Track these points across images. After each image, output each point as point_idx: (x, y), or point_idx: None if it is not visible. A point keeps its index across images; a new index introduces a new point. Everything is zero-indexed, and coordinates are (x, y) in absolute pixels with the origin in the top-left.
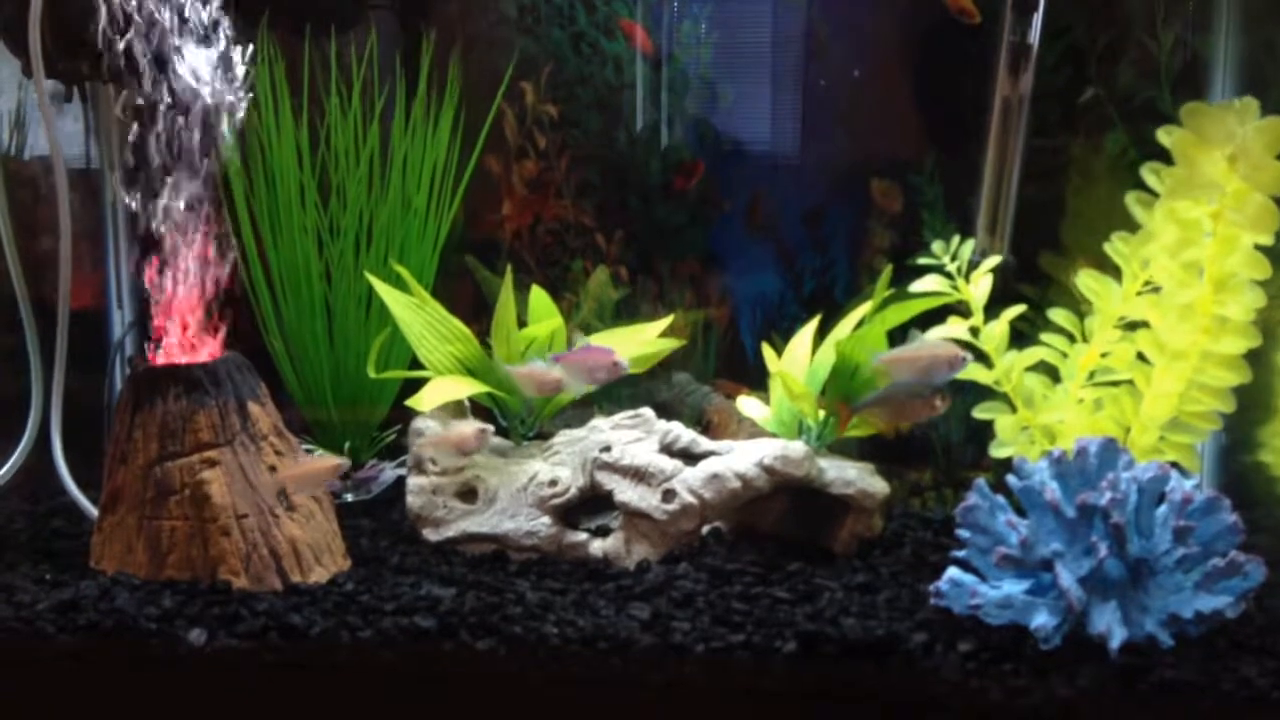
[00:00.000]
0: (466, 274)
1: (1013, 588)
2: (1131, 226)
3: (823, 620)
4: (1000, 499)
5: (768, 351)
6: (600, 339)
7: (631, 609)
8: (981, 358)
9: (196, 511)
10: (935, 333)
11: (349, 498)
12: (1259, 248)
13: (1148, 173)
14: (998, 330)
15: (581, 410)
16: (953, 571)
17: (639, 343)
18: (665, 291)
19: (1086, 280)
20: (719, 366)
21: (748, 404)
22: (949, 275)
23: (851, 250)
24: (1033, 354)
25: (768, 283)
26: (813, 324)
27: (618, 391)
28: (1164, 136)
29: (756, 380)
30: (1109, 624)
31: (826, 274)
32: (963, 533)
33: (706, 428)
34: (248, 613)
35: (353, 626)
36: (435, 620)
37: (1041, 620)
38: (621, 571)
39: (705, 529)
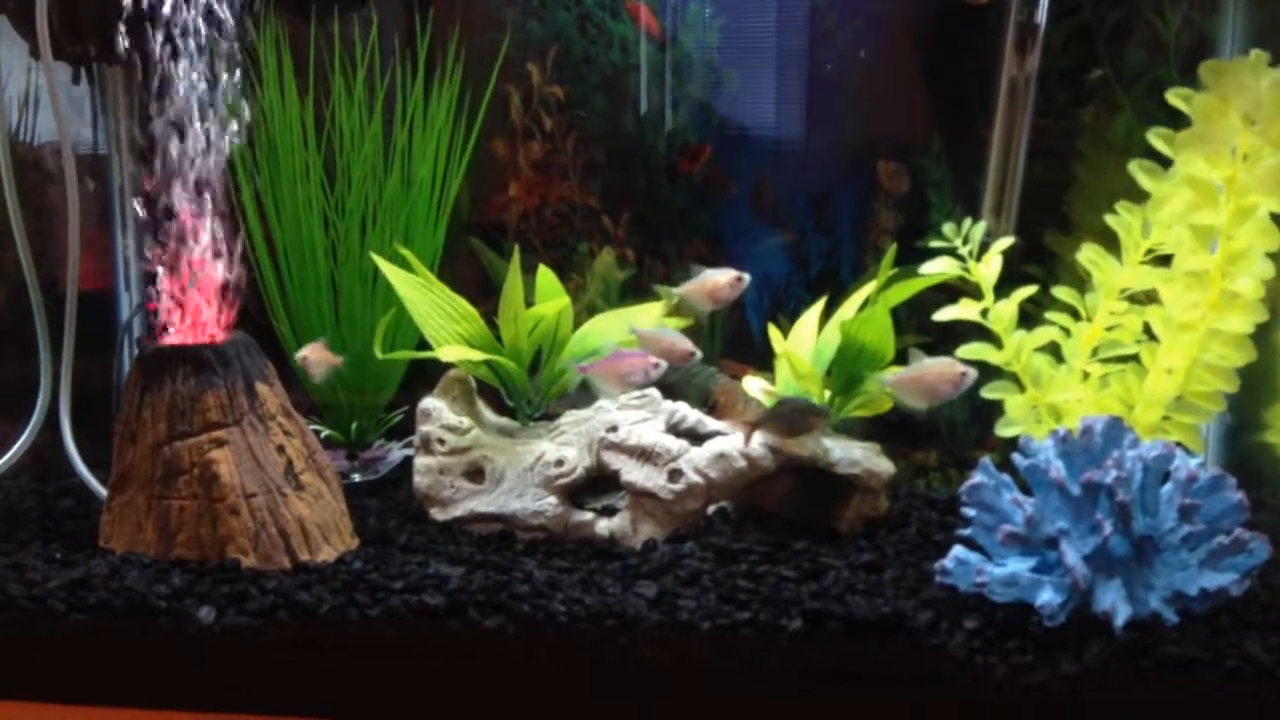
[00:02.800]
0: (473, 255)
1: (1018, 565)
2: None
3: (828, 598)
4: (1006, 477)
5: (774, 332)
6: (605, 319)
7: (638, 587)
8: (991, 338)
9: (205, 491)
10: (947, 314)
11: (356, 478)
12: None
13: (1155, 137)
14: (1007, 311)
15: (588, 391)
16: (958, 550)
17: (644, 322)
18: (672, 273)
19: (1087, 253)
20: (725, 347)
21: (754, 384)
22: (960, 257)
23: (857, 232)
24: (1042, 334)
25: (774, 264)
26: (819, 305)
27: None
28: (1175, 98)
29: (763, 361)
30: (1114, 601)
31: (833, 255)
32: (968, 511)
33: (713, 408)
34: (256, 591)
35: (361, 604)
36: (443, 598)
37: (1047, 598)
38: (628, 550)
39: (711, 508)
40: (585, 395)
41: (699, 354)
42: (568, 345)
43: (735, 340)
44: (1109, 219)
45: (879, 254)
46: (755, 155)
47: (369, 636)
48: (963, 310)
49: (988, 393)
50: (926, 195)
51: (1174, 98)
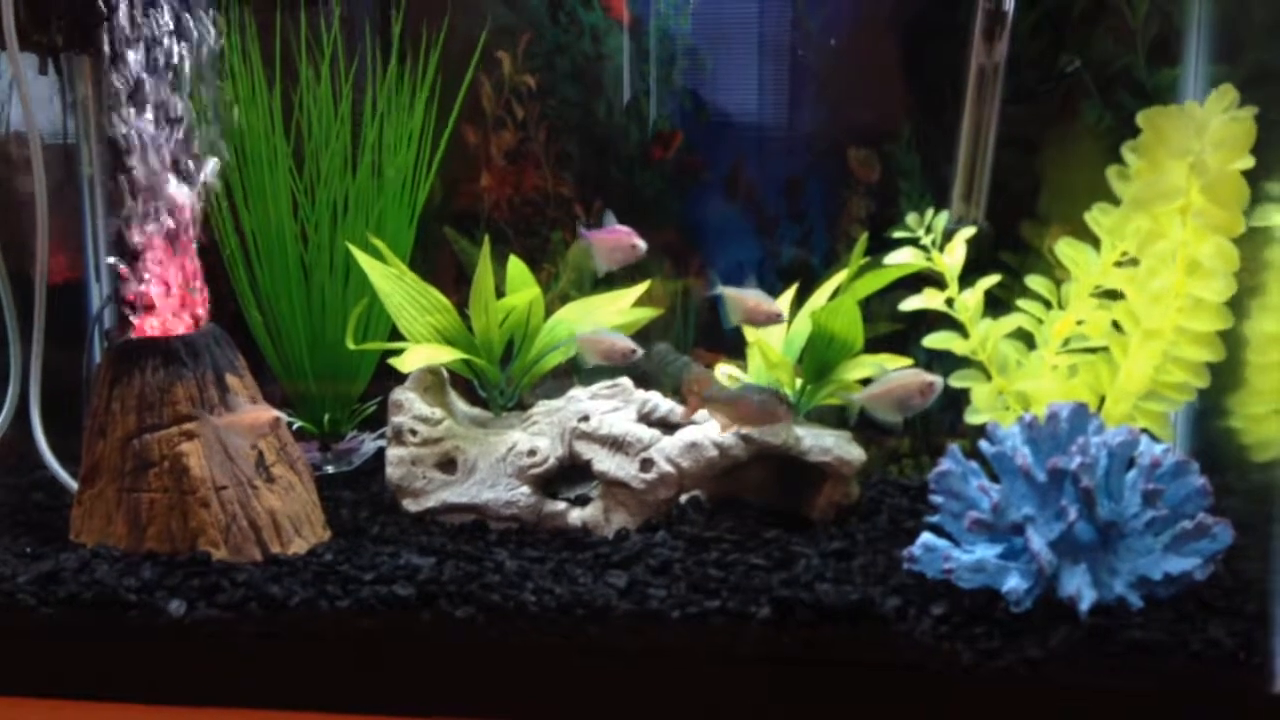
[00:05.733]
0: (446, 245)
1: (985, 552)
2: (1110, 194)
3: (798, 586)
4: (974, 464)
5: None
6: (576, 308)
7: (609, 577)
8: (957, 327)
9: (175, 484)
10: (912, 304)
11: (330, 470)
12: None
13: (1113, 175)
14: (972, 300)
15: (561, 381)
16: (926, 537)
17: (615, 311)
18: (644, 261)
19: (1065, 249)
20: (698, 336)
21: (724, 373)
22: (924, 248)
23: (829, 219)
24: (1008, 322)
25: (746, 252)
26: (789, 292)
27: (598, 363)
28: (1141, 120)
29: (735, 350)
30: (1079, 586)
31: (804, 243)
32: (936, 498)
33: (684, 399)
34: (228, 584)
35: (332, 596)
36: (414, 589)
37: (1013, 584)
38: (600, 540)
39: (684, 497)
40: (558, 385)
41: (639, 351)
42: (539, 335)
43: (708, 329)
44: (1087, 218)
45: (850, 242)
46: (728, 142)
47: (340, 628)
48: (926, 300)
49: (955, 381)
50: (896, 183)
51: (1142, 120)
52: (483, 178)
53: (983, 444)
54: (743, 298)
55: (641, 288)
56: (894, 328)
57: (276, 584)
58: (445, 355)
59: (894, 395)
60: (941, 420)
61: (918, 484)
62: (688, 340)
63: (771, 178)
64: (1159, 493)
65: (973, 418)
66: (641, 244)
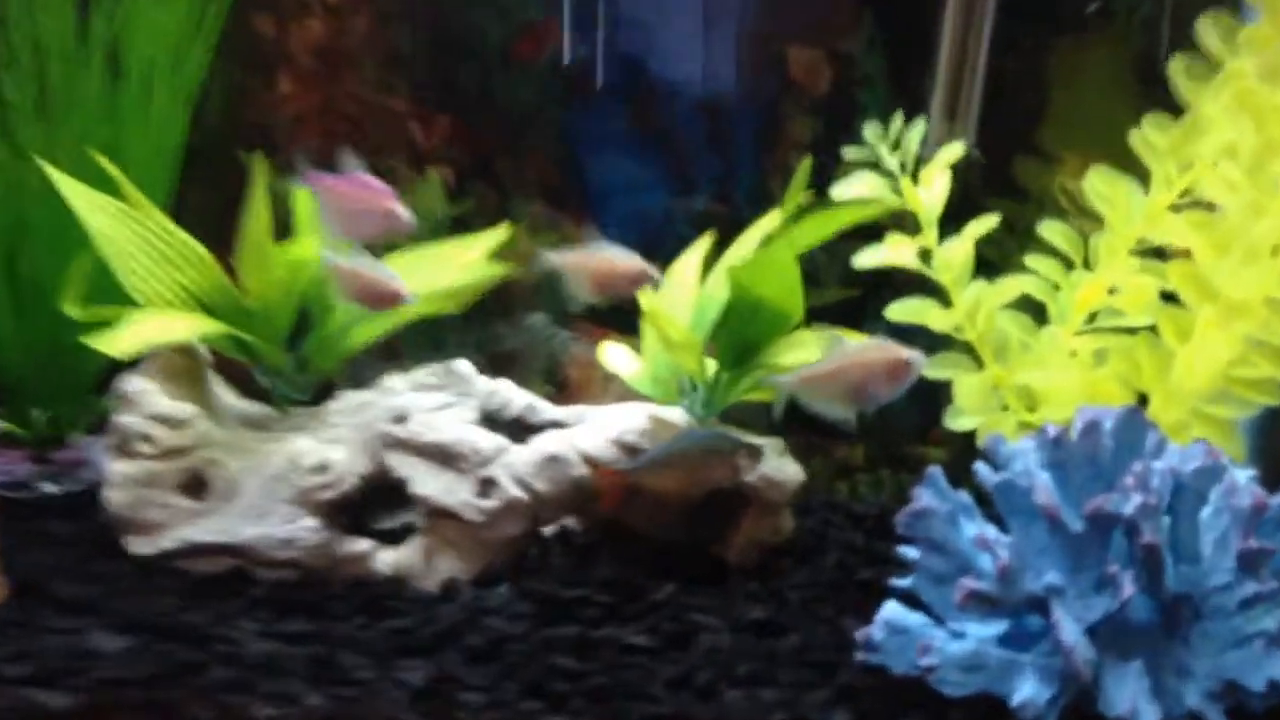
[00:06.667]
0: (232, 177)
1: (982, 636)
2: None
3: (688, 693)
4: (964, 498)
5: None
6: (403, 261)
7: (400, 669)
8: (935, 293)
9: None
10: (871, 257)
11: (49, 489)
12: None
13: (1209, 26)
14: (959, 253)
15: (385, 363)
16: (892, 610)
17: (458, 266)
18: (507, 201)
19: (1097, 183)
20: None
21: (613, 354)
22: (889, 175)
23: (761, 148)
24: (1010, 286)
25: (648, 193)
26: (703, 244)
27: (443, 338)
28: None
29: (629, 323)
30: (1133, 699)
31: (728, 181)
32: (909, 551)
33: (562, 387)
34: None
35: None
36: (71, 697)
37: (1028, 691)
38: (417, 597)
39: (551, 529)
40: (375, 365)
41: (408, 295)
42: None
43: None
44: (1135, 138)
45: (788, 177)
46: (625, 40)
47: None
48: (892, 251)
49: (932, 370)
50: (854, 96)
51: None
52: (281, 84)
53: (981, 468)
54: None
55: (497, 235)
56: (845, 293)
57: None
58: (179, 329)
59: (847, 378)
60: (908, 421)
61: (876, 510)
62: (565, 311)
63: (684, 91)
64: (1265, 555)
65: (955, 421)
66: (403, 212)
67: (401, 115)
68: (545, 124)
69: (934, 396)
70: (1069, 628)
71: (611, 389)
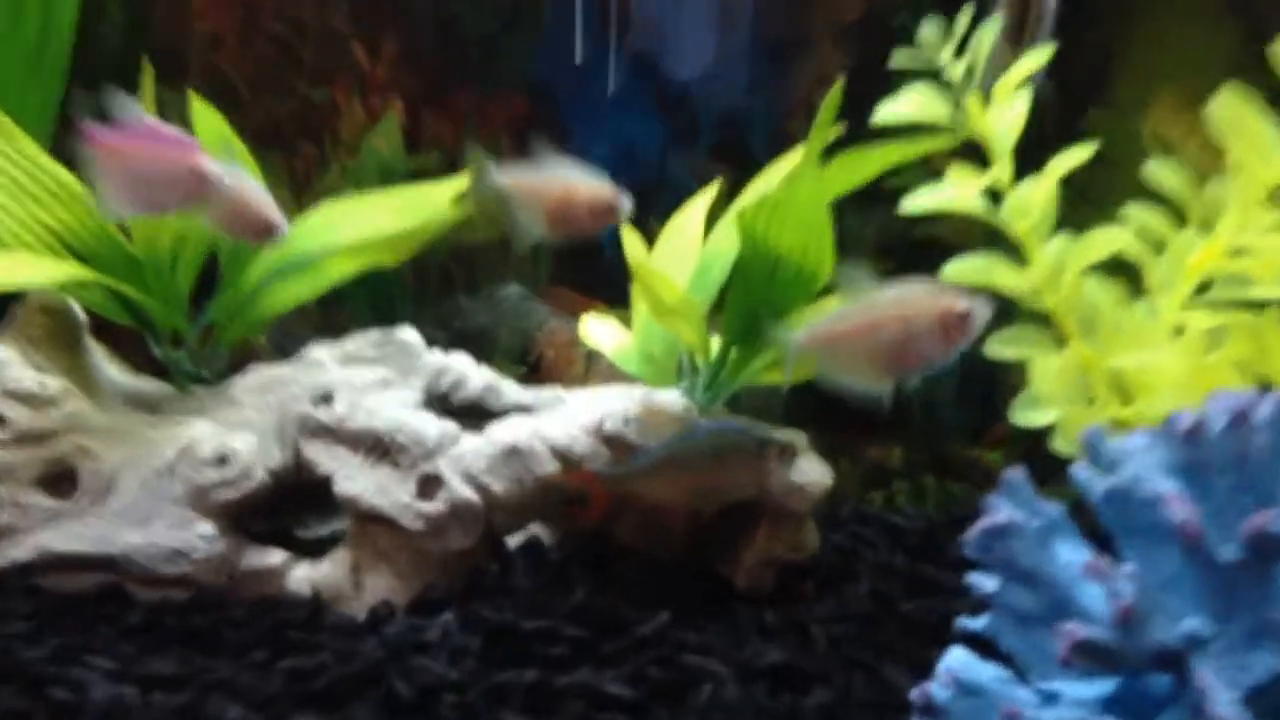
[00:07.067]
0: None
1: (1085, 699)
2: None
3: None
4: (1056, 510)
5: (630, 238)
6: (338, 209)
7: None
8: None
9: None
10: (923, 199)
11: None
12: None
13: None
14: (1039, 195)
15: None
16: (959, 661)
17: (394, 210)
18: (469, 140)
19: (1224, 110)
20: (555, 268)
21: (597, 327)
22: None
23: (780, 80)
24: (1103, 240)
25: (641, 131)
26: (709, 193)
27: (397, 311)
28: None
29: (618, 291)
30: None
31: (737, 120)
32: (981, 580)
33: (537, 369)
34: None
35: None
36: None
37: None
38: (338, 626)
39: (517, 540)
40: (295, 338)
41: (281, 227)
42: (264, 252)
43: (574, 257)
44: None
45: (812, 114)
46: None
47: None
48: (953, 191)
49: (998, 346)
50: (892, 20)
51: None
52: None
53: (1080, 471)
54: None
55: (452, 187)
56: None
57: None
58: (36, 273)
59: (880, 336)
60: (956, 416)
61: (919, 526)
62: (539, 277)
63: (686, 14)
64: None
65: (1026, 414)
66: (213, 169)
67: (342, 35)
68: (514, 50)
69: (992, 384)
70: (1217, 694)
71: (596, 371)
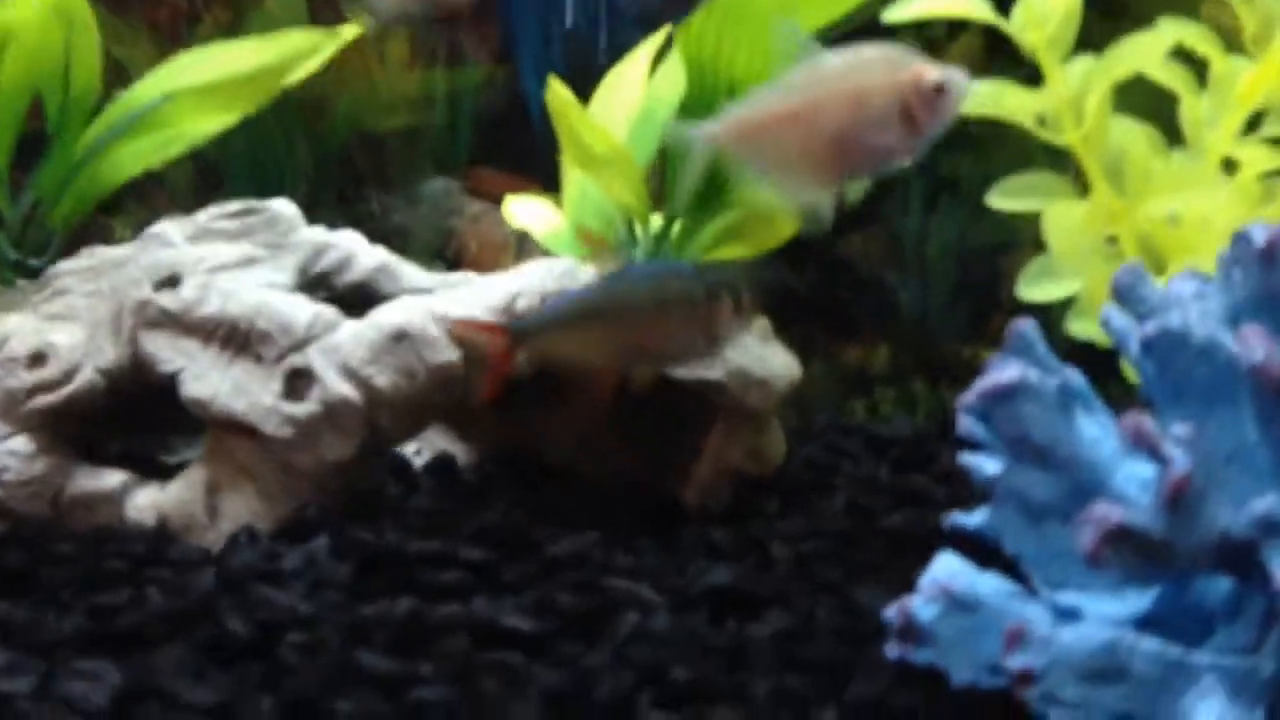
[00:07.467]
0: None
1: (1117, 616)
2: None
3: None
4: (1075, 373)
5: (556, 89)
6: (196, 57)
7: (74, 674)
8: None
9: None
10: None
11: None
12: None
13: None
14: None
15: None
16: (949, 568)
17: (273, 45)
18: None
19: None
20: (477, 144)
21: (521, 208)
22: None
23: None
24: (1136, 51)
25: None
26: (654, 42)
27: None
28: None
29: (549, 170)
30: None
31: None
32: (980, 463)
33: (458, 262)
34: None
35: None
36: None
37: (1214, 708)
38: (186, 559)
39: (418, 452)
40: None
41: None
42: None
43: (499, 132)
44: None
45: None
46: None
47: None
48: None
49: (1003, 197)
50: None
51: None
52: None
53: (1109, 314)
54: None
55: (347, 30)
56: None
57: None
58: None
59: (826, 121)
60: (953, 310)
61: (905, 435)
62: (457, 154)
63: None
64: None
65: (1038, 285)
66: None
67: None
68: None
69: (994, 264)
70: None
71: (527, 262)
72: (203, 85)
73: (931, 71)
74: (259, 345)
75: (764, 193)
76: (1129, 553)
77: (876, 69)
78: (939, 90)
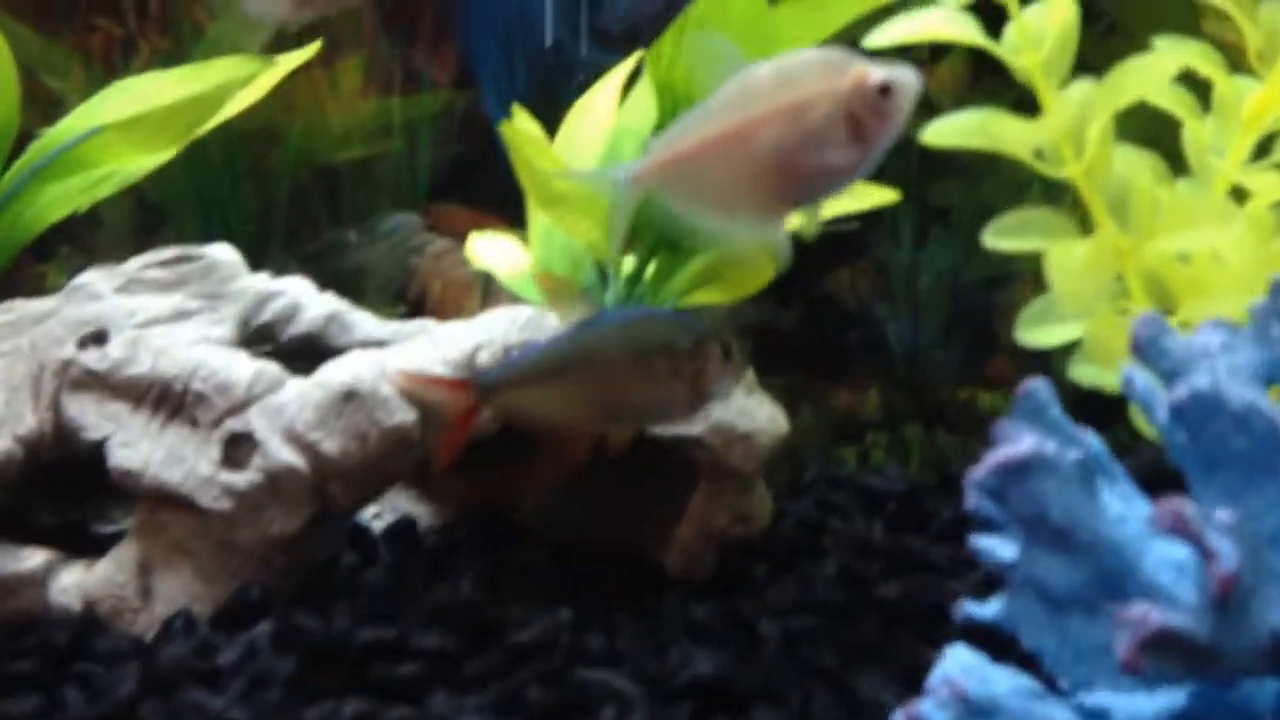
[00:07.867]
0: None
1: (1144, 713)
2: None
3: None
4: (1093, 441)
5: (518, 115)
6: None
7: None
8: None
9: None
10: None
11: None
12: None
13: None
14: (1055, 15)
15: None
16: (962, 662)
17: (204, 72)
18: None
19: None
20: (438, 177)
21: (484, 246)
22: None
23: None
24: (1144, 72)
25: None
26: (623, 70)
27: (242, 247)
28: None
29: (514, 205)
30: None
31: None
32: (992, 546)
33: (419, 307)
34: None
35: None
36: None
37: None
38: (112, 651)
39: (377, 516)
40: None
41: None
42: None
43: (464, 162)
44: None
45: None
46: None
47: None
48: (937, 18)
49: (998, 236)
50: None
51: None
52: None
53: (1131, 375)
54: None
55: (301, 53)
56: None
57: None
58: None
59: (759, 142)
60: (949, 351)
61: (900, 488)
62: (417, 189)
63: None
64: None
65: (1037, 329)
66: None
67: None
68: None
69: (990, 304)
70: None
71: (493, 306)
72: (130, 119)
73: (875, 72)
74: (194, 408)
75: (708, 235)
76: (1171, 659)
77: (813, 76)
78: (885, 92)
